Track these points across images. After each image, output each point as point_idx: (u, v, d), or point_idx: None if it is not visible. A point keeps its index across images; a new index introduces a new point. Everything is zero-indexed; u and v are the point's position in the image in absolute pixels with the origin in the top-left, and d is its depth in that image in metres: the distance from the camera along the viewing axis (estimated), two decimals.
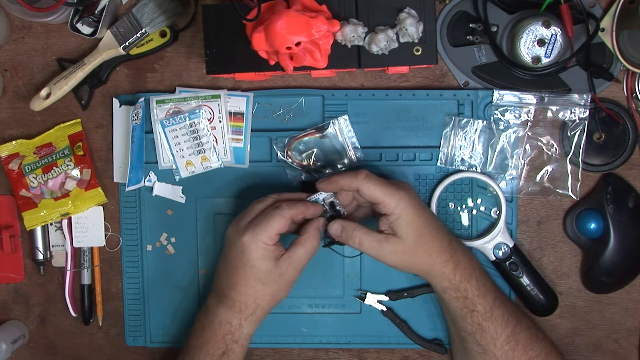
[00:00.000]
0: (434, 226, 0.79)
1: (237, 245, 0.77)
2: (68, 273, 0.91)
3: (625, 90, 0.86)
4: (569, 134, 0.86)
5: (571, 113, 0.86)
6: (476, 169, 0.88)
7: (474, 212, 0.88)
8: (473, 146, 0.87)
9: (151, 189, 0.90)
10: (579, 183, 0.87)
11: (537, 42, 0.82)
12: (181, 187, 0.90)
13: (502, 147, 0.87)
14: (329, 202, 0.80)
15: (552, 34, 0.81)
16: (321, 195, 0.80)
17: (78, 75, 0.87)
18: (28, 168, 0.89)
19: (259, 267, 0.77)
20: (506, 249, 0.86)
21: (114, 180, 0.90)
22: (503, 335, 0.79)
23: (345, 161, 0.88)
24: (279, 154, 0.88)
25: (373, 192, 0.76)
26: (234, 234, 0.78)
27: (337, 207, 0.80)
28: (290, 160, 0.88)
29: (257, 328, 0.82)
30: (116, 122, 0.90)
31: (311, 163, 0.88)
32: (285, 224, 0.76)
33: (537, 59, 0.82)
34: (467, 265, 0.80)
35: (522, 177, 0.88)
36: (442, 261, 0.78)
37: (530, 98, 0.86)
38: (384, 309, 0.89)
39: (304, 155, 0.88)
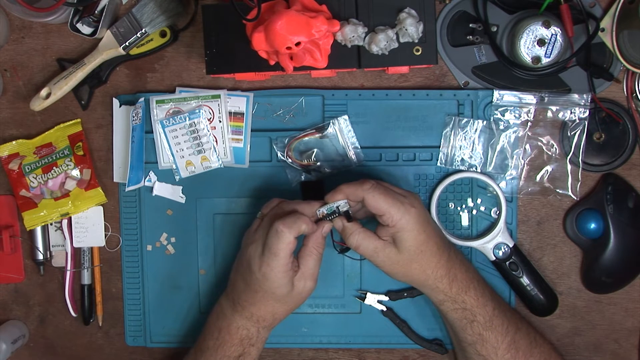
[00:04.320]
0: (435, 242, 0.78)
1: (256, 273, 0.77)
2: (68, 273, 0.91)
3: (625, 90, 0.86)
4: (569, 134, 0.86)
5: (571, 113, 0.86)
6: (476, 169, 0.87)
7: (474, 212, 0.88)
8: (473, 146, 0.87)
9: (151, 189, 0.90)
10: (579, 183, 0.87)
11: (537, 42, 0.82)
12: (181, 187, 0.90)
13: (502, 147, 0.87)
14: (343, 212, 0.78)
15: (552, 34, 0.81)
16: (335, 204, 0.78)
17: (78, 75, 0.87)
18: (28, 168, 0.89)
19: (279, 294, 0.77)
20: (506, 249, 0.86)
21: (114, 180, 0.90)
22: (504, 344, 0.79)
23: (345, 161, 0.88)
24: (279, 154, 0.88)
25: (377, 202, 0.75)
26: (253, 257, 0.77)
27: (350, 214, 0.78)
28: (290, 160, 0.88)
29: None
30: (116, 122, 0.90)
31: (311, 163, 0.88)
32: (292, 247, 0.75)
33: (537, 59, 0.82)
34: (464, 277, 0.79)
35: (522, 177, 0.88)
36: (437, 277, 0.78)
37: (530, 98, 0.86)
38: (384, 309, 0.89)
39: (304, 155, 0.88)
